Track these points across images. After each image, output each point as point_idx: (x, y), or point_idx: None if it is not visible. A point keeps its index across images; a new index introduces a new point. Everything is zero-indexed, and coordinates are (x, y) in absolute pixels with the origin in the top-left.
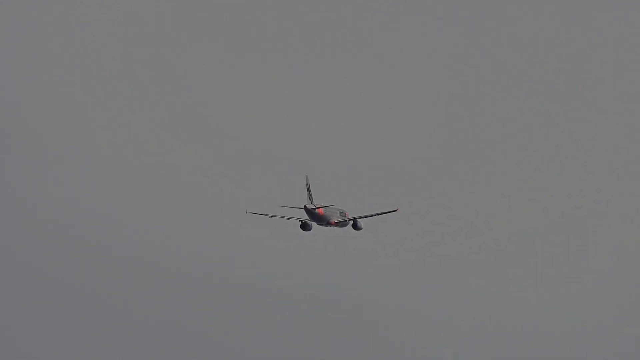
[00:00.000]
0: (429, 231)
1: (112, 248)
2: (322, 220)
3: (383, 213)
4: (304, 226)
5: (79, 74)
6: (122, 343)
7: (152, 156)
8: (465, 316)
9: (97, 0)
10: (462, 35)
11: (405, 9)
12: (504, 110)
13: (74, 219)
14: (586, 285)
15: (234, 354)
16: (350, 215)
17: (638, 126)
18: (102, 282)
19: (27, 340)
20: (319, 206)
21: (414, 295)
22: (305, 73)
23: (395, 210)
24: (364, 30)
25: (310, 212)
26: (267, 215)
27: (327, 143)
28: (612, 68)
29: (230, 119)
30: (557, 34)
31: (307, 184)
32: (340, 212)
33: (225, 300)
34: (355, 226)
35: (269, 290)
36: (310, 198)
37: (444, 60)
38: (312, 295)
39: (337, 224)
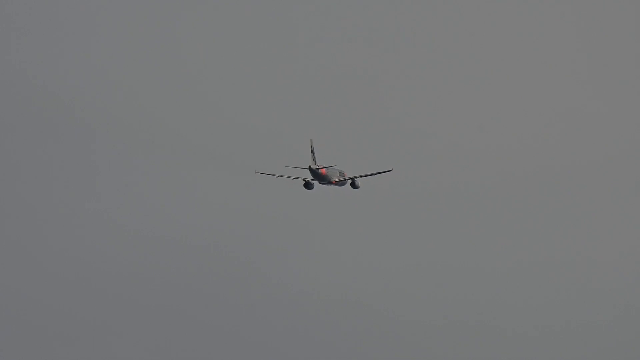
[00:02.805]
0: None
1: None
2: (324, 180)
3: (378, 173)
4: (307, 185)
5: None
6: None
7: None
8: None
9: None
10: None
11: None
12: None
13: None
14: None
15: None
16: (348, 175)
17: None
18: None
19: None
20: (322, 166)
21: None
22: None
23: (390, 171)
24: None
25: (314, 172)
26: (274, 175)
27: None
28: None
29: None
30: None
31: (311, 147)
32: (340, 172)
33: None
34: (354, 185)
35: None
36: (314, 159)
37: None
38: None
39: (337, 183)
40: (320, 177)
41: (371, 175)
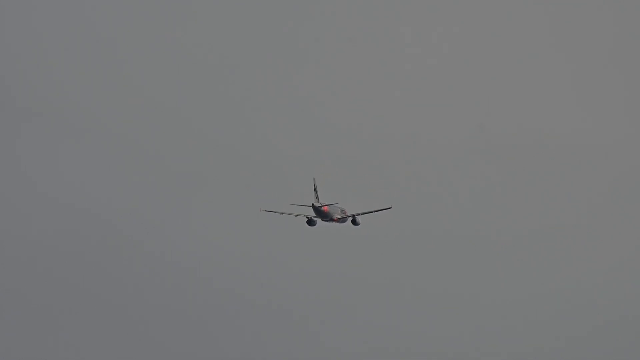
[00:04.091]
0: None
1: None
2: (326, 217)
3: (378, 210)
4: (310, 222)
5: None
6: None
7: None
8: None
9: None
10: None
11: None
12: None
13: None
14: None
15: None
16: (349, 213)
17: None
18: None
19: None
20: (324, 204)
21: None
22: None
23: (389, 208)
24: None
25: (317, 210)
26: (278, 212)
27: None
28: None
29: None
30: None
31: (314, 185)
32: (341, 210)
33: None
34: (355, 222)
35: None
36: (316, 197)
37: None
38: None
39: (338, 220)
40: (322, 214)
41: (371, 212)
